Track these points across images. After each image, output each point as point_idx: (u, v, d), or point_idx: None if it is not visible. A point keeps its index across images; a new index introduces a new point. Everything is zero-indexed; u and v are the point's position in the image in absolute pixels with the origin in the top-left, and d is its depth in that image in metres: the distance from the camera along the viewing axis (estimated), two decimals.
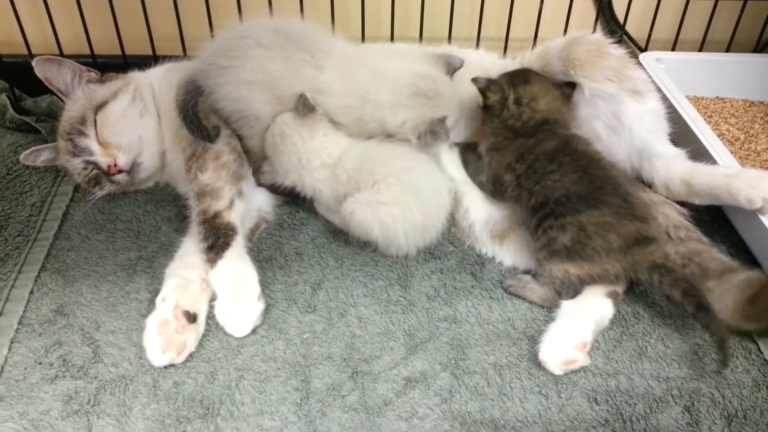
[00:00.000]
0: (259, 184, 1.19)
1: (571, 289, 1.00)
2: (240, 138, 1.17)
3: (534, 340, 0.97)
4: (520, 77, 1.13)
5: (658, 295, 1.02)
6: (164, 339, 0.93)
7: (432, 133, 1.08)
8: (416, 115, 1.08)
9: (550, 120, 1.10)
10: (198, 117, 1.12)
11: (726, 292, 0.98)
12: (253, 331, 0.99)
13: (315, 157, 1.11)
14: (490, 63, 1.29)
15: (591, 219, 0.97)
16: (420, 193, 1.07)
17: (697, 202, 1.12)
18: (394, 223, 1.05)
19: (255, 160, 1.18)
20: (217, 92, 1.11)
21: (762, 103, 1.48)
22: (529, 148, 1.07)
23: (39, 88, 1.29)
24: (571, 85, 1.13)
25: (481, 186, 1.16)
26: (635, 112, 1.12)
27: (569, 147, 1.05)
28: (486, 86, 1.13)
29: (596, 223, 0.97)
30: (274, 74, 1.09)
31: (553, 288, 1.01)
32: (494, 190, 1.12)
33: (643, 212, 1.00)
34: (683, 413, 0.89)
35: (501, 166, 1.09)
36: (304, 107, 1.10)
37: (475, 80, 1.14)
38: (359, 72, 1.10)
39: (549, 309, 1.02)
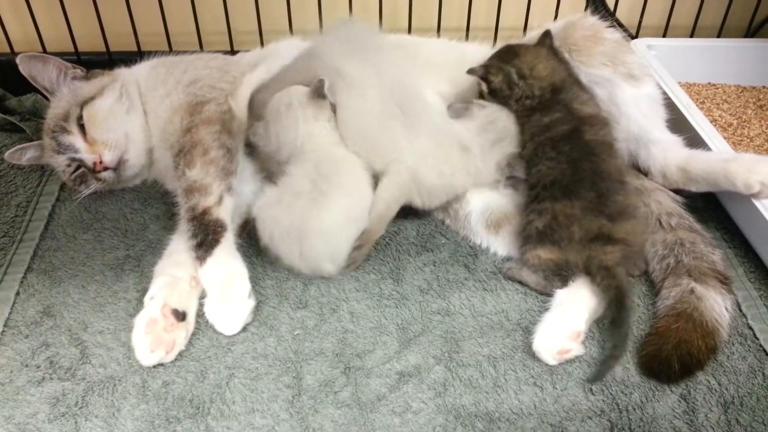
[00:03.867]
0: (247, 143, 1.17)
1: (555, 276, 1.01)
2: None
3: (528, 331, 0.96)
4: (509, 53, 1.13)
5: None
6: (153, 338, 0.92)
7: (509, 165, 1.13)
8: (498, 158, 1.12)
9: (558, 85, 1.09)
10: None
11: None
12: (244, 329, 0.98)
13: (309, 141, 1.09)
14: (484, 56, 1.27)
15: (563, 209, 0.99)
16: (324, 212, 1.02)
17: (693, 189, 1.11)
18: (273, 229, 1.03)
19: None
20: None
21: (754, 88, 1.47)
22: (542, 129, 1.06)
23: (23, 86, 1.27)
24: (546, 33, 1.14)
25: None
26: (631, 96, 1.11)
27: (577, 134, 1.04)
28: (485, 72, 1.12)
29: (566, 213, 0.99)
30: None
31: (540, 274, 1.02)
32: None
33: (617, 212, 0.98)
34: (679, 401, 0.88)
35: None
36: (317, 91, 1.09)
37: (471, 71, 1.13)
38: (449, 148, 1.10)
39: (543, 299, 1.01)
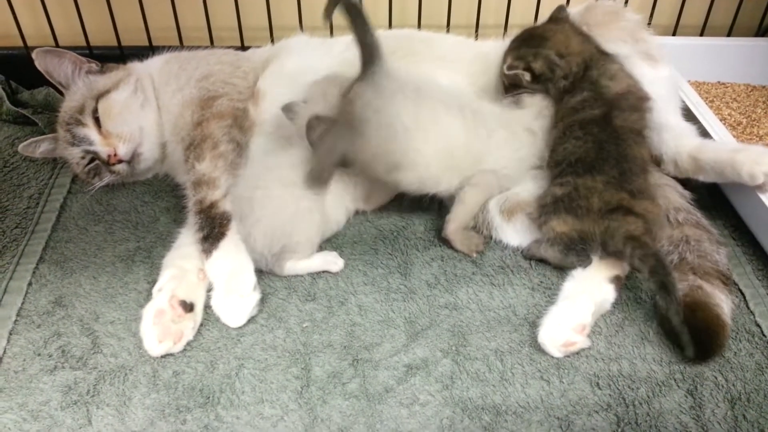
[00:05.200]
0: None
1: (570, 251, 1.02)
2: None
3: (535, 326, 0.97)
4: (535, 38, 1.13)
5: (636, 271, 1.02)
6: (160, 329, 0.93)
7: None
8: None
9: (588, 60, 1.09)
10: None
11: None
12: (253, 320, 0.99)
13: None
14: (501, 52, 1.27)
15: (585, 182, 1.01)
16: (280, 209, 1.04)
17: (701, 178, 1.11)
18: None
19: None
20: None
21: (764, 87, 1.47)
22: (569, 111, 1.07)
23: (35, 80, 1.29)
24: (560, 7, 1.15)
25: None
26: (648, 77, 1.11)
27: (606, 120, 1.04)
28: (526, 63, 1.11)
29: (587, 186, 1.00)
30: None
31: (558, 248, 1.03)
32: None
33: (638, 190, 0.99)
34: (686, 397, 0.88)
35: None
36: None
37: (510, 68, 1.12)
38: (521, 135, 1.13)
39: (550, 294, 1.02)
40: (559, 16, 1.15)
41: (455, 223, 1.10)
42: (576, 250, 1.02)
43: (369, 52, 1.02)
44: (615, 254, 0.99)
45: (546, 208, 1.04)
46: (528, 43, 1.13)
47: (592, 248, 1.00)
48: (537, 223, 1.06)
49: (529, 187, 1.12)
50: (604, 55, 1.10)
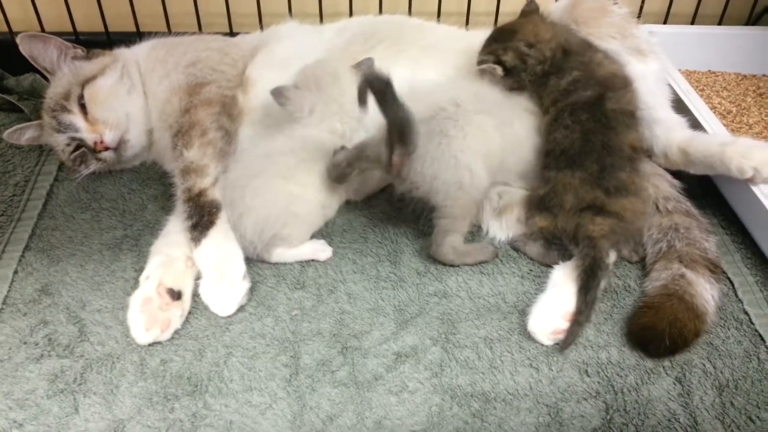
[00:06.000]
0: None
1: (551, 246, 1.03)
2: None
3: (525, 314, 0.97)
4: (505, 33, 1.12)
5: None
6: (147, 317, 0.92)
7: None
8: None
9: (566, 46, 1.08)
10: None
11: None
12: (242, 309, 0.98)
13: (348, 118, 1.10)
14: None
15: (563, 178, 1.01)
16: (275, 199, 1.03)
17: (692, 171, 1.11)
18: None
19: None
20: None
21: (754, 76, 1.47)
22: (562, 93, 1.05)
23: (21, 66, 1.27)
24: (529, 3, 1.14)
25: None
26: (638, 71, 1.10)
27: (599, 103, 1.03)
28: (496, 57, 1.11)
29: (564, 183, 1.01)
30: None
31: (541, 244, 1.04)
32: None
33: (616, 187, 0.99)
34: (675, 384, 0.89)
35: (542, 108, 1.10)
36: (368, 69, 1.10)
37: (481, 63, 1.12)
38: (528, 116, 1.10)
39: (540, 282, 1.02)
40: (528, 10, 1.14)
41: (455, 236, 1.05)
42: (557, 246, 1.02)
43: (405, 128, 0.95)
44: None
45: (532, 204, 1.06)
46: (497, 39, 1.13)
47: (569, 244, 1.01)
48: (525, 218, 1.07)
49: (522, 191, 1.12)
50: (586, 44, 1.10)
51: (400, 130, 0.95)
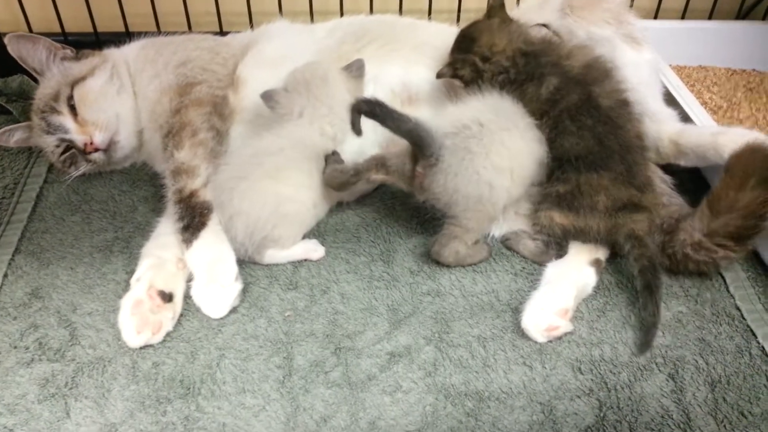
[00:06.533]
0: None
1: (556, 244, 1.02)
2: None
3: (518, 312, 0.97)
4: (465, 41, 1.10)
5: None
6: (139, 319, 0.92)
7: None
8: None
9: (527, 50, 1.06)
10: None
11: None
12: (234, 310, 0.98)
13: (337, 121, 1.09)
14: None
15: (588, 180, 0.99)
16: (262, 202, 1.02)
17: (683, 163, 1.11)
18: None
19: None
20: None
21: (744, 71, 1.47)
22: (549, 103, 1.03)
23: (9, 67, 1.26)
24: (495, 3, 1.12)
25: None
26: (631, 60, 1.10)
27: (593, 103, 1.01)
28: (453, 71, 1.10)
29: (590, 184, 0.99)
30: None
31: (541, 241, 1.03)
32: None
33: (644, 182, 1.00)
34: (668, 380, 0.89)
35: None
36: (358, 70, 1.12)
37: (440, 74, 1.12)
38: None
39: (533, 280, 1.02)
40: (494, 5, 1.11)
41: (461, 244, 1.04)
42: (559, 244, 1.02)
43: (419, 138, 0.97)
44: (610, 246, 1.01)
45: (549, 199, 1.03)
46: (459, 48, 1.11)
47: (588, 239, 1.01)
48: (534, 209, 1.06)
49: None
50: (545, 41, 1.08)
51: (416, 141, 0.96)
